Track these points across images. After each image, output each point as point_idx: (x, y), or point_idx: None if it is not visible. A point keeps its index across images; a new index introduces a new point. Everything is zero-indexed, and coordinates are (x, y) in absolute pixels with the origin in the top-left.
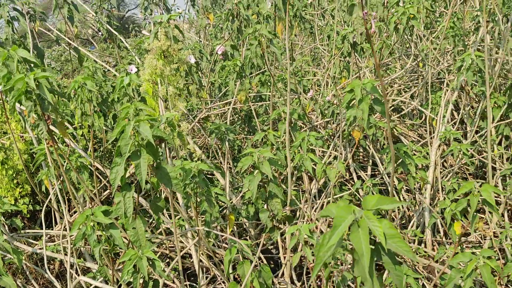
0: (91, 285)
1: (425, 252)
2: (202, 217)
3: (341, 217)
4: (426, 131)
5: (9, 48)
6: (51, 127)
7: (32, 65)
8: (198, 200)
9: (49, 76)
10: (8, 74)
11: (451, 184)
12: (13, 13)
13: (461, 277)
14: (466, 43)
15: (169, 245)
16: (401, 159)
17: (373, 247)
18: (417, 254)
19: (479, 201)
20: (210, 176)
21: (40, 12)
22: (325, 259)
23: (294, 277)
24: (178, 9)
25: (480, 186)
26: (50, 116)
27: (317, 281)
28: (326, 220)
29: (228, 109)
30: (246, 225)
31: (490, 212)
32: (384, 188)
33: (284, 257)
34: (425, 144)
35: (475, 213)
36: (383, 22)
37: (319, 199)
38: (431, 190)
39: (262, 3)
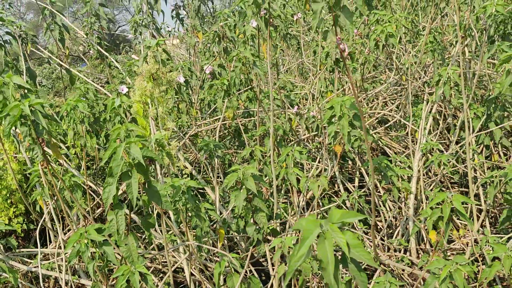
0: None
1: (410, 260)
2: (194, 232)
3: (309, 230)
4: (412, 142)
5: (0, 70)
6: (45, 149)
7: (26, 91)
8: (189, 215)
9: (43, 103)
10: (4, 100)
11: (434, 194)
12: (5, 36)
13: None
14: (447, 57)
15: (162, 260)
16: (382, 171)
17: (339, 256)
18: (402, 262)
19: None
20: (202, 191)
21: (31, 35)
22: (295, 267)
23: None
24: (168, 27)
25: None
26: (44, 139)
27: None
28: None
29: (218, 125)
30: (237, 238)
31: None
32: (371, 198)
33: (273, 269)
34: (409, 155)
35: (448, 222)
36: (366, 37)
37: (307, 211)
38: (415, 200)
39: (247, 25)
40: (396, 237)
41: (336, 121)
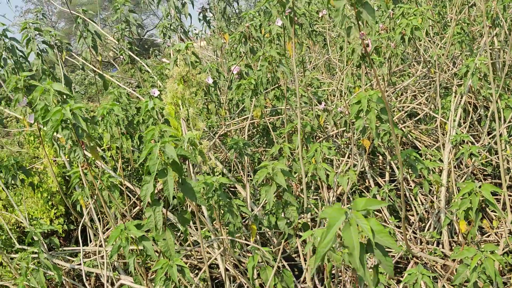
0: None
1: (442, 252)
2: (226, 229)
3: (335, 217)
4: (442, 135)
5: (38, 78)
6: (84, 151)
7: (65, 96)
8: (222, 212)
9: (82, 107)
10: (45, 106)
11: (466, 185)
12: (41, 45)
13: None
14: (475, 47)
15: (197, 256)
16: (412, 164)
17: (364, 242)
18: (434, 254)
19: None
20: (233, 189)
21: (66, 43)
22: (323, 254)
23: (317, 281)
24: (195, 30)
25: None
26: (83, 141)
27: (339, 286)
28: None
29: (246, 124)
30: (268, 234)
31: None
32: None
33: (305, 263)
34: (440, 148)
35: (477, 212)
36: (392, 31)
37: None
38: (446, 193)
39: (272, 25)
40: (428, 230)
41: (363, 115)
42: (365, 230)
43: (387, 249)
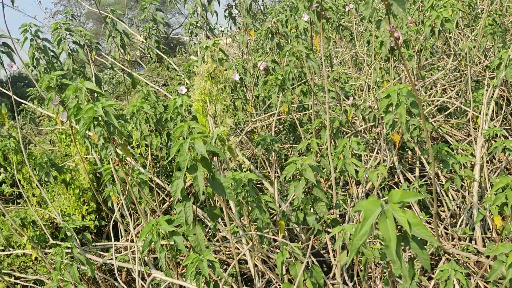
0: None
1: (475, 248)
2: (255, 225)
3: (370, 210)
4: (474, 129)
5: (69, 77)
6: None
7: (96, 94)
8: (250, 208)
9: (114, 105)
10: (77, 104)
11: (500, 180)
12: (72, 45)
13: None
14: (508, 39)
15: (226, 252)
16: (443, 159)
17: (400, 234)
18: (467, 251)
19: None
20: (260, 186)
21: (95, 42)
22: (359, 245)
23: (346, 278)
24: (221, 27)
25: None
26: (115, 138)
27: (369, 282)
28: None
29: (273, 120)
30: (296, 230)
31: None
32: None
33: (335, 259)
34: (471, 142)
35: None
36: (421, 24)
37: None
38: (479, 188)
39: (299, 20)
40: (460, 226)
41: (393, 110)
42: (402, 222)
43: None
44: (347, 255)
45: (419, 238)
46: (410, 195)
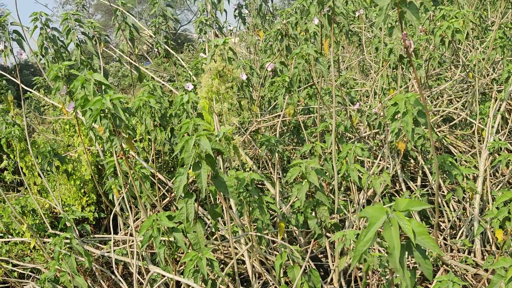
0: None
1: (474, 261)
2: (254, 225)
3: (376, 216)
4: (478, 141)
5: (76, 68)
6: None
7: (103, 87)
8: (250, 208)
9: (121, 98)
10: (85, 95)
11: (503, 194)
12: (80, 36)
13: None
14: None
15: (224, 251)
16: (447, 170)
17: (404, 243)
18: (465, 263)
19: None
20: (261, 186)
21: (104, 35)
22: (362, 252)
23: (343, 283)
24: (230, 26)
25: None
26: (120, 132)
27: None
28: None
29: (278, 121)
30: (296, 233)
31: None
32: (434, 198)
33: (333, 264)
34: (475, 154)
35: None
36: (431, 33)
37: None
38: (480, 201)
39: (309, 23)
40: (459, 238)
41: (400, 117)
42: (407, 230)
43: None
44: (346, 261)
45: (422, 248)
46: (416, 204)
